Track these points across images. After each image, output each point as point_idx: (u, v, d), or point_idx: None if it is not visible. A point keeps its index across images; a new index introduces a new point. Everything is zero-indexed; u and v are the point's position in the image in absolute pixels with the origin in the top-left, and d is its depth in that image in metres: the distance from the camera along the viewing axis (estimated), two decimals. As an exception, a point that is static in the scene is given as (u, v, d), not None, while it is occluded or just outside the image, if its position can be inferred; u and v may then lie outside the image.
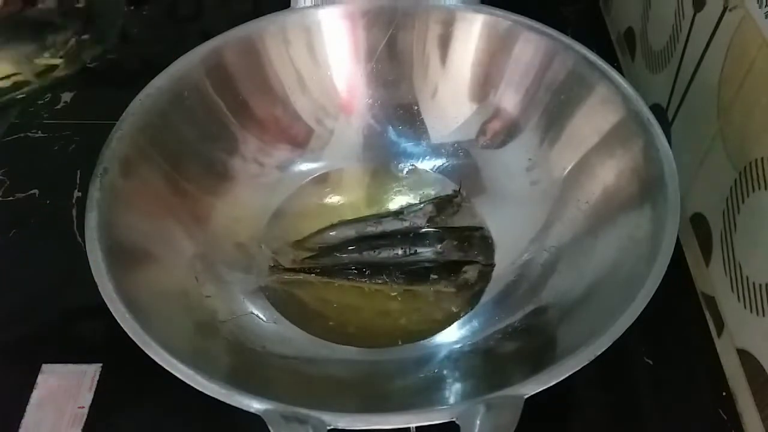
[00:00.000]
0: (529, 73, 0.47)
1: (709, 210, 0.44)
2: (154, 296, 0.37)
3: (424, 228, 0.48)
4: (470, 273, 0.45)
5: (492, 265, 0.45)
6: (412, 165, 0.52)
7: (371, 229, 0.48)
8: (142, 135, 0.41)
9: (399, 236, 0.47)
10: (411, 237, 0.47)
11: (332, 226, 0.48)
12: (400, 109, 0.52)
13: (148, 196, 0.41)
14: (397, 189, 0.51)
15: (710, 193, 0.44)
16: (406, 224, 0.48)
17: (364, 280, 0.45)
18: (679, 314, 0.45)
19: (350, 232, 0.48)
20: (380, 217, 0.49)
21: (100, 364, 0.42)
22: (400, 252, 0.46)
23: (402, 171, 0.52)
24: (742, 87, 0.40)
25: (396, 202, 0.50)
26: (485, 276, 0.45)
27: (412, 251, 0.46)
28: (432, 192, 0.50)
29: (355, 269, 0.46)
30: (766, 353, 0.37)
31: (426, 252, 0.47)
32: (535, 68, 0.47)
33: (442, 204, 0.49)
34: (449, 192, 0.50)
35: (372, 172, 0.52)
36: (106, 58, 0.66)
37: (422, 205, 0.49)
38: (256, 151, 0.49)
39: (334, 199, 0.50)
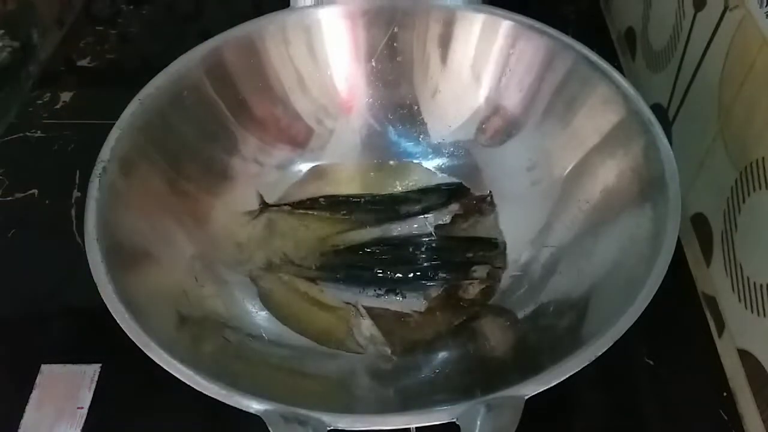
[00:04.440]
0: (529, 73, 0.47)
1: (710, 210, 0.44)
2: (154, 296, 0.37)
3: (442, 232, 0.48)
4: (479, 272, 0.45)
5: (501, 269, 0.45)
6: (416, 162, 0.52)
7: (396, 228, 0.48)
8: (142, 135, 0.41)
9: (420, 247, 0.47)
10: (432, 248, 0.47)
11: (358, 225, 0.48)
12: (400, 109, 0.52)
13: (148, 196, 0.41)
14: (400, 187, 0.51)
15: (711, 192, 0.43)
16: (430, 220, 0.48)
17: (360, 287, 0.45)
18: (679, 314, 0.44)
19: (375, 232, 0.48)
20: (404, 217, 0.49)
21: (100, 365, 0.42)
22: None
23: (403, 168, 0.52)
24: (743, 87, 0.39)
25: (407, 202, 0.50)
26: (495, 276, 0.45)
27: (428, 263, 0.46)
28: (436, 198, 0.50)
29: (353, 275, 0.45)
30: (766, 354, 0.37)
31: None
32: (536, 68, 0.47)
33: (470, 205, 0.49)
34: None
35: (374, 168, 0.52)
36: (105, 57, 0.66)
37: (449, 204, 0.49)
38: (255, 151, 0.49)
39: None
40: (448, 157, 0.52)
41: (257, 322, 0.42)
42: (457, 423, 0.29)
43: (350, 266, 0.46)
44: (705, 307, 0.45)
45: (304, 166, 0.51)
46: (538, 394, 0.30)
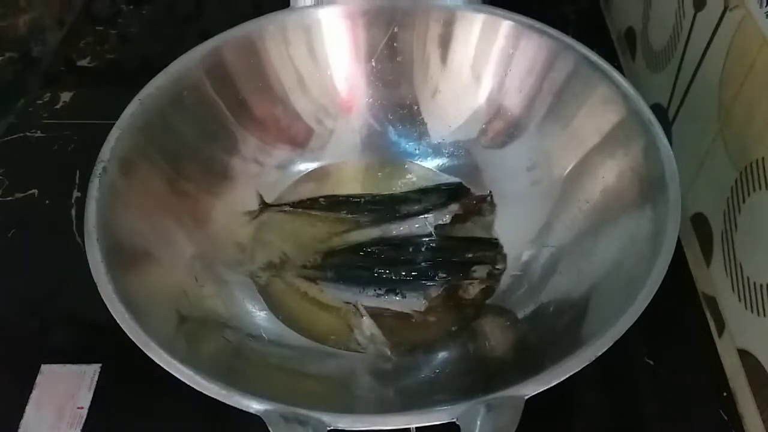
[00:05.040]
0: (530, 73, 0.47)
1: (710, 210, 0.44)
2: (154, 296, 0.37)
3: (442, 231, 0.48)
4: (479, 272, 0.45)
5: (501, 270, 0.45)
6: (416, 162, 0.52)
7: (396, 228, 0.48)
8: (142, 134, 0.41)
9: (420, 247, 0.47)
10: (430, 248, 0.47)
11: (358, 225, 0.48)
12: (400, 109, 0.52)
13: (148, 196, 0.41)
14: (400, 187, 0.51)
15: (711, 192, 0.43)
16: (429, 220, 0.48)
17: (360, 287, 0.45)
18: (679, 314, 0.44)
19: (375, 232, 0.48)
20: (404, 217, 0.49)
21: (100, 365, 0.42)
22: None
23: (403, 168, 0.52)
24: (743, 87, 0.39)
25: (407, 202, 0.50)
26: (494, 278, 0.45)
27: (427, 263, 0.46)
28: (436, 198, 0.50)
29: (353, 275, 0.45)
30: (766, 353, 0.37)
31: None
32: (536, 68, 0.47)
33: (470, 205, 0.49)
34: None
35: (374, 168, 0.52)
36: (105, 57, 0.66)
37: (449, 204, 0.49)
38: (255, 151, 0.49)
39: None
40: (448, 157, 0.52)
41: (257, 322, 0.42)
42: (457, 423, 0.29)
43: (350, 266, 0.46)
44: (705, 307, 0.45)
45: (304, 166, 0.51)
46: (538, 394, 0.30)
